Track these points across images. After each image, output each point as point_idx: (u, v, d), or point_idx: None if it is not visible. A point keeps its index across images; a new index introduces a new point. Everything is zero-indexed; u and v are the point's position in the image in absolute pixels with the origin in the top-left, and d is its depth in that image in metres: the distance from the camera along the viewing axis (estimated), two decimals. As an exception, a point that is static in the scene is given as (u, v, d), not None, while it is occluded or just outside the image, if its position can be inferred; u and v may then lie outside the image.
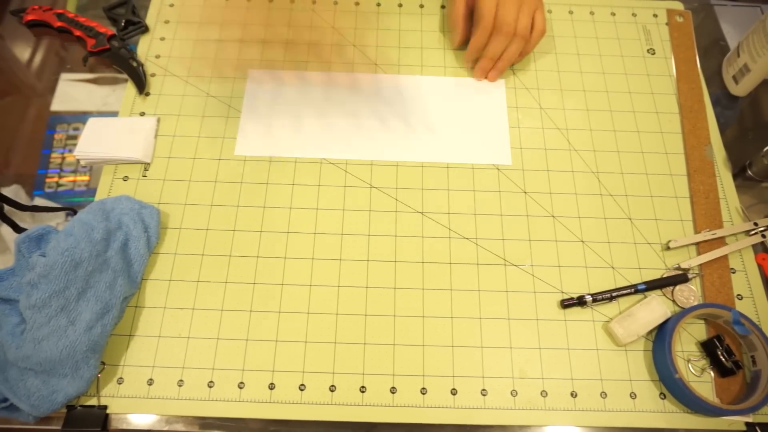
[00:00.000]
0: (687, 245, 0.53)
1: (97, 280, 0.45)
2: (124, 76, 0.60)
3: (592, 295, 0.50)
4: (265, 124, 0.58)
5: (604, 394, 0.47)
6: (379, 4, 0.66)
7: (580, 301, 0.49)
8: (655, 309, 0.48)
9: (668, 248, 0.52)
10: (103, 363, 0.46)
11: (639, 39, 0.65)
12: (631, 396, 0.47)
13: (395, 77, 0.61)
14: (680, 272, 0.51)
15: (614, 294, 0.50)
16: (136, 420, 0.45)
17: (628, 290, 0.50)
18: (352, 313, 0.49)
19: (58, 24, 0.62)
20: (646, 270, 0.52)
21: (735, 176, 0.57)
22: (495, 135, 0.58)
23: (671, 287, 0.50)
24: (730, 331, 0.49)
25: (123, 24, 0.62)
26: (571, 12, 0.66)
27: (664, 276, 0.51)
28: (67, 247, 0.44)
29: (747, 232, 0.53)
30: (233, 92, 0.59)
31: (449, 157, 0.56)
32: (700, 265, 0.52)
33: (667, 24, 0.66)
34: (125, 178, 0.54)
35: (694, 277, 0.51)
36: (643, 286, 0.50)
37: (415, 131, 0.58)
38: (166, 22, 0.64)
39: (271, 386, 0.46)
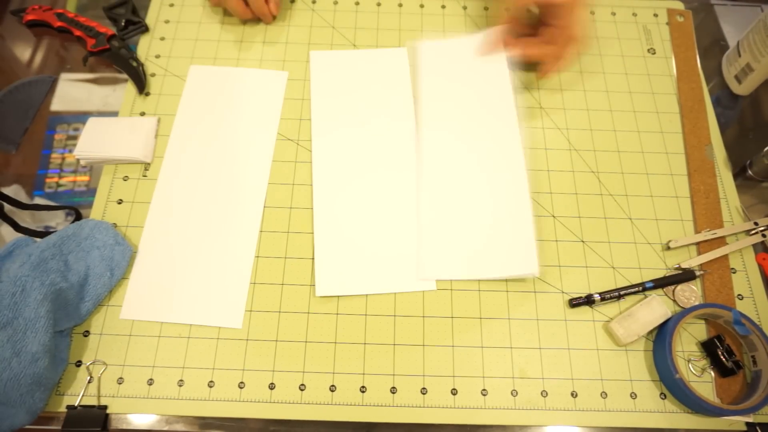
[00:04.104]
0: (687, 245, 0.53)
1: (48, 310, 0.43)
2: (124, 76, 0.60)
3: (600, 293, 0.49)
4: None
5: (604, 394, 0.47)
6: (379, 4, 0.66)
7: (589, 300, 0.49)
8: (655, 309, 0.48)
9: (668, 248, 0.52)
10: (104, 363, 0.46)
11: (639, 38, 0.65)
12: (631, 396, 0.47)
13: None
14: (683, 271, 0.51)
15: (622, 293, 0.49)
16: (137, 420, 0.45)
17: (636, 288, 0.50)
18: (353, 313, 0.49)
19: (58, 24, 0.62)
20: (646, 270, 0.52)
21: (735, 176, 0.57)
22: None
23: (672, 287, 0.50)
24: (730, 331, 0.49)
25: (123, 24, 0.62)
26: (571, 12, 0.66)
27: (668, 275, 0.51)
28: (19, 276, 0.43)
29: (747, 232, 0.53)
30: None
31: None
32: (701, 264, 0.52)
33: (667, 23, 0.66)
34: (125, 178, 0.54)
35: (702, 274, 0.51)
36: (650, 284, 0.50)
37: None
38: (166, 21, 0.64)
39: (271, 386, 0.46)
